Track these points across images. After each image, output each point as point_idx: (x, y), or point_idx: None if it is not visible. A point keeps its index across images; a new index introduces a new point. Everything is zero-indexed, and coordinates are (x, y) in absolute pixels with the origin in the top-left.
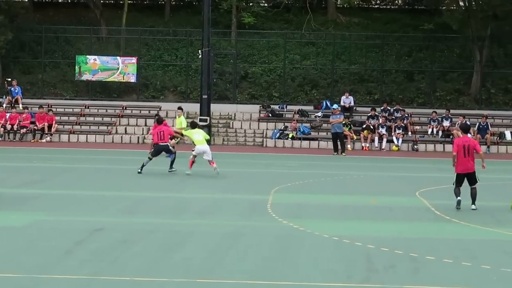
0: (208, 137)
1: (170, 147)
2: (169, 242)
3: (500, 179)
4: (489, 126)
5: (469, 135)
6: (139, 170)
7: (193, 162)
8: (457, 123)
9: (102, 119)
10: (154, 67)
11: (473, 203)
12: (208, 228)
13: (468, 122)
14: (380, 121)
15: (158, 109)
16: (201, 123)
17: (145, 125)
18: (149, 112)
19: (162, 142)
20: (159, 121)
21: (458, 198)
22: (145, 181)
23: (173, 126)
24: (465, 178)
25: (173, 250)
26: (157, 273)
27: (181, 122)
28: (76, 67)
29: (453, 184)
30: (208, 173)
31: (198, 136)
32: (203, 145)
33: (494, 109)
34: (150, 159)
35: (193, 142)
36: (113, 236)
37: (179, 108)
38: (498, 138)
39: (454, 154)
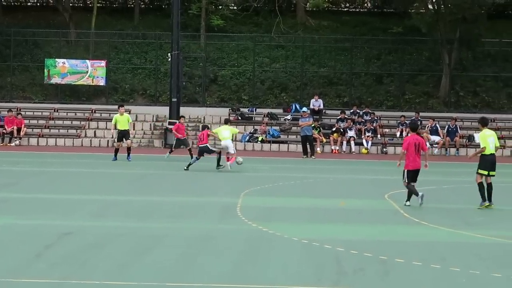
0: (236, 131)
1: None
2: (139, 245)
3: (469, 181)
4: (458, 129)
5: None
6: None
7: (228, 157)
8: (426, 125)
9: (71, 122)
10: (123, 70)
11: (408, 199)
12: (178, 231)
13: (417, 121)
14: (346, 124)
15: (128, 112)
16: (170, 126)
17: (115, 128)
18: None
19: (202, 144)
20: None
21: (421, 193)
22: (115, 185)
23: (115, 124)
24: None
25: (143, 254)
26: (127, 277)
27: (128, 119)
28: (45, 70)
29: (404, 182)
30: (178, 176)
31: (226, 132)
32: (226, 140)
33: (463, 111)
34: (198, 158)
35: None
36: (83, 240)
37: (122, 105)
38: (467, 140)
39: (403, 151)
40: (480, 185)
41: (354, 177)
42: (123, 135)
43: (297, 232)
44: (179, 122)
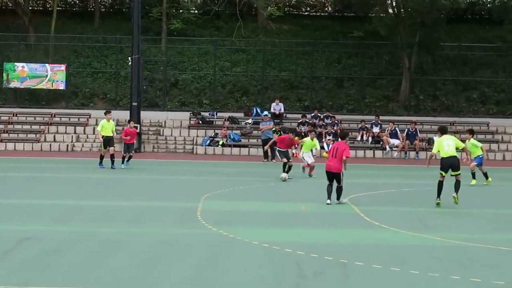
0: (313, 144)
1: None
2: (100, 250)
3: (429, 184)
4: (418, 132)
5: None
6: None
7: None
8: (386, 129)
9: (31, 127)
10: (84, 74)
11: (337, 198)
12: (139, 236)
13: (347, 131)
14: (307, 128)
15: (88, 116)
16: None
17: (74, 132)
18: (78, 119)
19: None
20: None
21: (329, 201)
22: (75, 190)
23: (99, 129)
24: (331, 177)
25: (104, 259)
26: (88, 282)
27: (113, 127)
28: (4, 74)
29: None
30: (139, 181)
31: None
32: (304, 152)
33: (423, 115)
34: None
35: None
36: (42, 245)
37: (110, 111)
38: (426, 144)
39: (325, 155)
40: (439, 183)
41: (314, 180)
42: (108, 141)
43: (257, 236)
44: (128, 126)
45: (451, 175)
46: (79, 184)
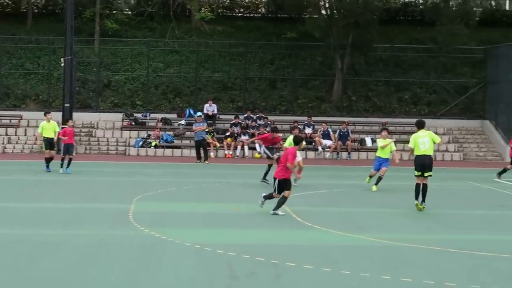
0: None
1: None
2: (31, 253)
3: (360, 185)
4: (350, 133)
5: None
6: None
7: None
8: (319, 130)
9: None
10: (16, 75)
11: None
12: (71, 238)
13: (301, 135)
14: (240, 130)
15: (20, 118)
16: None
17: (6, 134)
18: (10, 121)
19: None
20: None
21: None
22: (6, 191)
23: (40, 131)
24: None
25: (35, 262)
26: (19, 286)
27: (55, 128)
28: None
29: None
30: (71, 182)
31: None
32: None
33: (355, 116)
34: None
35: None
36: None
37: (49, 112)
38: (359, 144)
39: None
40: (417, 185)
41: (247, 181)
42: (50, 142)
43: (189, 237)
44: (67, 126)
45: (421, 176)
46: (11, 186)
